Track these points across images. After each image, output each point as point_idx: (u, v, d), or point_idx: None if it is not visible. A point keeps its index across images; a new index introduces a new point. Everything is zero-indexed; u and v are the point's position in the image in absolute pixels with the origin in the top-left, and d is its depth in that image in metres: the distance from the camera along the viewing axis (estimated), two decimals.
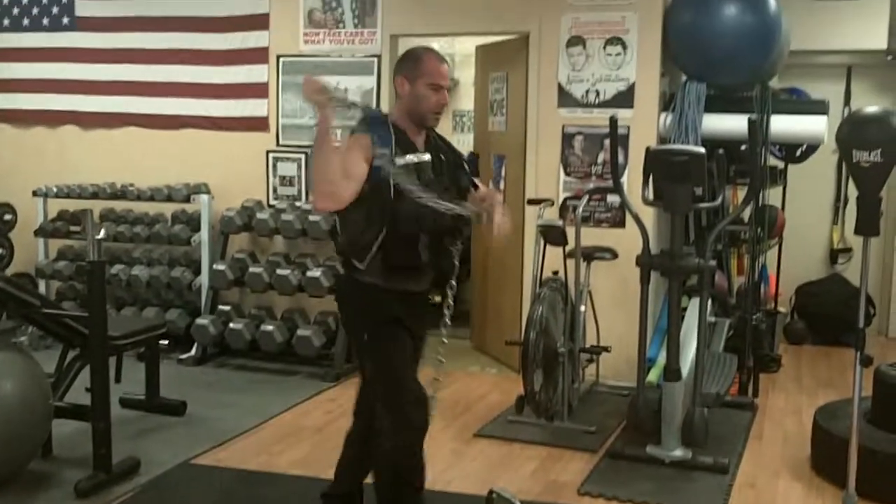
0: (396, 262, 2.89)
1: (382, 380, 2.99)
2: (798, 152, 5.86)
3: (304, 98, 2.80)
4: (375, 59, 5.71)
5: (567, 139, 5.38)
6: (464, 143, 7.22)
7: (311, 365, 5.53)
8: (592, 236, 5.04)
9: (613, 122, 4.30)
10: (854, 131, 3.29)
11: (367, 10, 5.72)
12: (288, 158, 5.93)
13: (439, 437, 4.42)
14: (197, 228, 5.89)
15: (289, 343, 5.51)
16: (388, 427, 2.95)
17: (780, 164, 5.90)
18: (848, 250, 6.89)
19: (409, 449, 3.00)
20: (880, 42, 6.32)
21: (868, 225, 3.26)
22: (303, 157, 5.89)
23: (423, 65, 2.91)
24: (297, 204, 5.86)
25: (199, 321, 5.67)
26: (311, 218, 5.58)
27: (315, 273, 5.49)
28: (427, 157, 2.95)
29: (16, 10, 6.55)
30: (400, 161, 2.82)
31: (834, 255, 6.98)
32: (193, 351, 5.73)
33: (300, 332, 5.47)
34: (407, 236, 2.88)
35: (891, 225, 6.54)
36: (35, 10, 6.51)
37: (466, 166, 3.11)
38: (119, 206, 6.26)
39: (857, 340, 3.30)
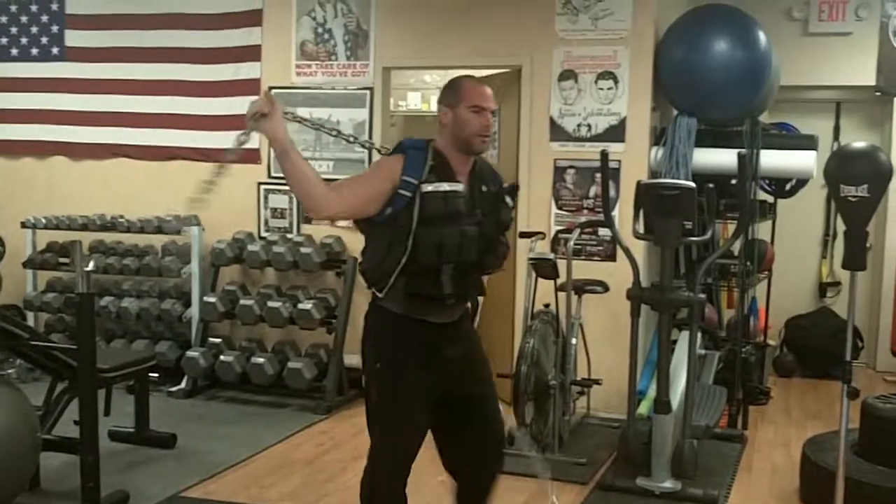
0: (417, 290, 2.81)
1: (376, 430, 2.94)
2: (787, 187, 5.91)
3: (248, 115, 2.65)
4: (368, 92, 5.75)
5: (559, 172, 5.41)
6: None
7: (303, 397, 5.50)
8: (584, 269, 5.06)
9: (604, 155, 4.34)
10: (841, 166, 3.33)
11: (359, 43, 5.76)
12: (279, 191, 5.94)
13: (428, 469, 4.37)
14: (187, 260, 5.87)
15: (280, 375, 5.48)
16: (367, 473, 2.98)
17: (770, 199, 5.95)
18: (837, 284, 6.93)
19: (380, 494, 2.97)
20: (869, 78, 6.42)
21: (855, 259, 3.29)
22: None
23: (463, 90, 2.88)
24: (289, 236, 5.86)
25: (190, 353, 5.64)
26: (303, 250, 5.59)
27: (306, 305, 5.48)
28: (460, 187, 2.85)
29: (4, 40, 6.57)
30: (427, 188, 2.77)
31: (823, 289, 7.02)
32: (183, 383, 5.69)
33: (291, 364, 5.45)
34: (429, 266, 2.80)
35: (878, 259, 6.58)
36: (24, 40, 6.53)
37: (509, 199, 3.04)
38: (109, 237, 6.24)
39: (844, 373, 3.32)
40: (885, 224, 6.36)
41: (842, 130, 6.88)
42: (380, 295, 2.84)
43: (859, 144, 3.49)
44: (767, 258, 5.87)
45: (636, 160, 5.26)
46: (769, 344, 6.21)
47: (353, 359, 5.68)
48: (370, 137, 5.68)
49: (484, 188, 2.94)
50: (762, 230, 5.80)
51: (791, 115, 6.40)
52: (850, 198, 3.25)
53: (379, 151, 3.15)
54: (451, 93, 2.90)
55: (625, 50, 5.27)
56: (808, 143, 5.28)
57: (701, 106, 5.17)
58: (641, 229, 4.25)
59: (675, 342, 4.68)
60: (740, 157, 4.70)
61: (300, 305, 5.50)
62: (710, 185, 4.49)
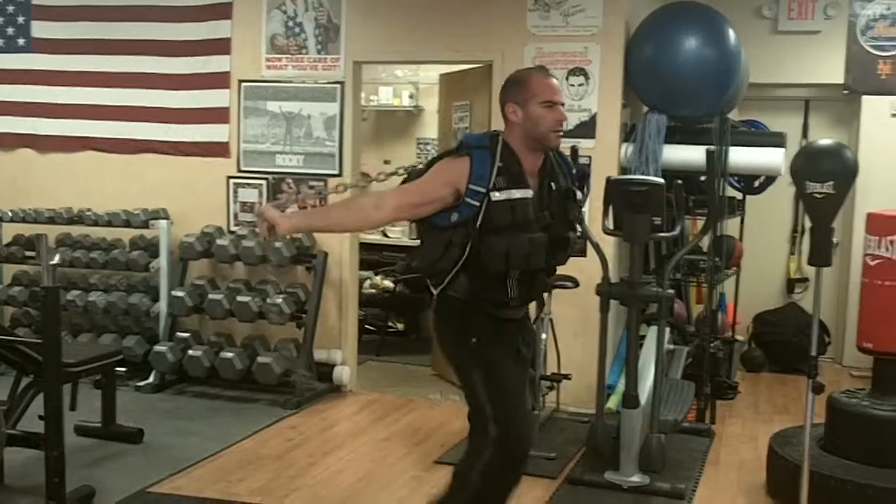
0: (482, 296, 2.78)
1: (491, 394, 2.78)
2: (756, 183, 5.96)
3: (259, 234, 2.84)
4: (339, 86, 5.72)
5: None
6: None
7: (272, 392, 5.47)
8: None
9: (575, 151, 4.35)
10: (807, 163, 3.35)
11: (330, 37, 5.73)
12: (249, 184, 5.90)
13: (400, 464, 4.41)
14: (155, 254, 5.82)
15: (249, 370, 5.45)
16: (494, 440, 2.75)
17: (739, 195, 6.00)
18: (805, 280, 7.00)
19: (511, 467, 2.82)
20: (837, 77, 6.50)
21: (821, 255, 3.32)
22: (264, 183, 5.87)
23: (532, 84, 2.79)
24: (258, 230, 5.81)
25: (158, 348, 5.59)
26: (273, 244, 5.55)
27: (276, 300, 5.45)
28: (530, 193, 2.76)
29: None
30: (497, 196, 2.69)
31: (791, 285, 7.10)
32: (151, 378, 5.64)
33: (260, 359, 5.42)
34: (495, 274, 2.75)
35: (845, 255, 6.66)
36: None
37: (579, 193, 2.95)
38: (76, 231, 6.17)
39: (809, 368, 3.36)
40: (852, 221, 6.43)
41: (810, 128, 6.96)
42: (436, 290, 2.83)
43: (825, 142, 3.53)
44: (736, 254, 5.92)
45: (607, 156, 5.28)
46: (737, 339, 6.27)
47: (322, 353, 5.69)
48: (341, 131, 5.65)
49: (554, 185, 2.84)
50: (731, 226, 5.85)
51: (760, 113, 6.46)
52: (815, 195, 3.28)
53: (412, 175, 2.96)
54: (519, 88, 2.80)
55: (595, 46, 5.29)
56: (777, 140, 5.33)
57: (671, 103, 5.20)
58: (611, 225, 4.28)
59: (644, 337, 4.70)
60: (709, 153, 4.77)
61: (269, 300, 5.47)
62: (679, 182, 4.52)
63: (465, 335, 2.83)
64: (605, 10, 5.26)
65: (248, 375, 5.45)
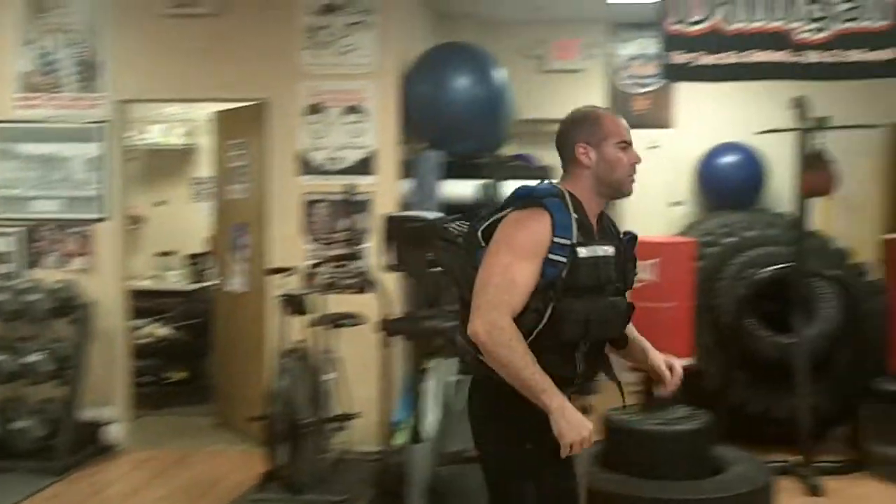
0: (549, 370, 2.22)
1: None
2: None
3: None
4: (102, 125, 5.38)
5: (309, 207, 5.33)
6: (203, 212, 7.00)
7: (31, 459, 4.99)
8: (339, 303, 4.99)
9: (353, 190, 4.33)
10: None
11: (92, 74, 5.40)
12: (2, 233, 5.42)
13: None
14: None
15: (4, 437, 4.95)
16: None
17: None
18: None
19: None
20: None
21: None
22: (19, 231, 5.41)
23: (607, 122, 2.41)
24: (13, 283, 5.33)
25: None
26: (30, 297, 5.12)
27: (33, 358, 5.03)
28: (611, 250, 2.36)
29: None
30: (583, 253, 2.26)
31: None
32: None
33: (17, 423, 4.95)
34: (566, 343, 2.29)
35: None
36: None
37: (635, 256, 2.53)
38: None
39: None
40: None
41: None
42: (481, 367, 2.29)
43: None
44: None
45: (387, 193, 5.30)
46: None
47: (92, 412, 5.29)
48: (105, 173, 5.32)
49: (618, 246, 2.43)
50: None
51: (532, 147, 6.74)
52: None
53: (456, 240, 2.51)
54: (591, 128, 2.41)
55: (371, 84, 5.31)
56: (542, 173, 5.56)
57: (445, 139, 5.31)
58: (392, 261, 4.28)
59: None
60: (484, 187, 4.91)
61: (27, 359, 5.02)
62: (458, 216, 4.59)
63: (520, 435, 2.31)
64: (379, 48, 5.31)
65: (4, 442, 4.95)
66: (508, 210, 2.36)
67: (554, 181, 2.43)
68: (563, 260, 2.24)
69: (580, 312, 2.26)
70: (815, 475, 4.73)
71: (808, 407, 4.85)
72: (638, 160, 2.41)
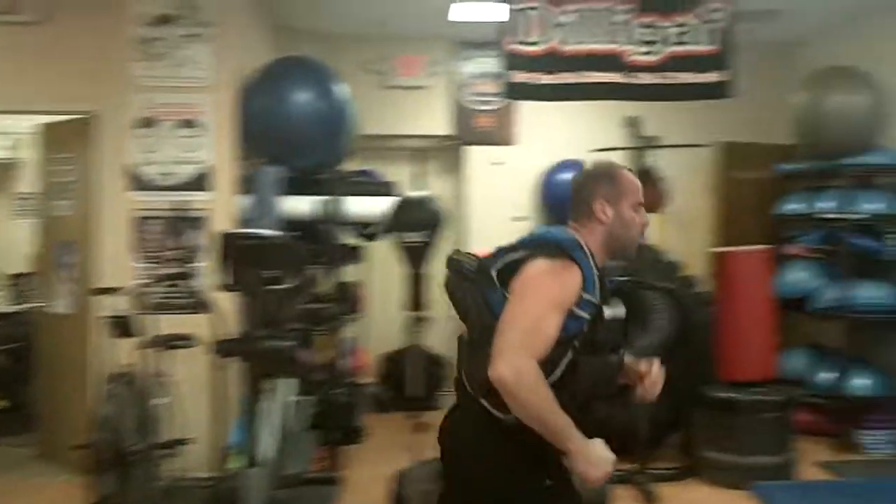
0: None
1: None
2: (369, 231, 6.15)
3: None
4: None
5: (140, 223, 5.13)
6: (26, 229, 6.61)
7: None
8: (173, 323, 4.81)
9: (188, 206, 4.19)
10: (401, 215, 3.50)
11: None
12: None
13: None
14: None
15: None
16: None
17: (360, 243, 6.16)
18: (425, 319, 7.34)
19: None
20: (443, 128, 6.99)
21: (417, 298, 3.47)
22: None
23: (624, 181, 2.40)
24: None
25: None
26: None
27: None
28: (623, 311, 2.42)
29: None
30: (608, 312, 2.29)
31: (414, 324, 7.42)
32: None
33: None
34: (573, 397, 2.27)
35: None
36: None
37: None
38: None
39: (420, 408, 3.47)
40: None
41: (423, 175, 7.38)
42: (500, 415, 2.25)
43: (417, 195, 3.72)
44: (358, 299, 6.06)
45: (224, 209, 5.16)
46: (365, 382, 6.40)
47: None
48: None
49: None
50: (359, 272, 5.97)
51: (376, 162, 6.73)
52: (411, 243, 3.43)
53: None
54: (611, 185, 2.39)
55: (207, 98, 5.18)
56: (385, 189, 5.56)
57: (284, 155, 5.24)
58: (228, 280, 4.16)
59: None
60: (324, 204, 4.87)
61: None
62: (295, 234, 4.53)
63: (534, 474, 2.31)
64: (216, 61, 5.18)
65: None
66: (525, 253, 2.32)
67: (569, 231, 2.39)
68: (588, 317, 2.25)
69: (592, 371, 2.29)
70: (650, 482, 4.91)
71: (644, 416, 5.01)
72: (647, 222, 2.44)
